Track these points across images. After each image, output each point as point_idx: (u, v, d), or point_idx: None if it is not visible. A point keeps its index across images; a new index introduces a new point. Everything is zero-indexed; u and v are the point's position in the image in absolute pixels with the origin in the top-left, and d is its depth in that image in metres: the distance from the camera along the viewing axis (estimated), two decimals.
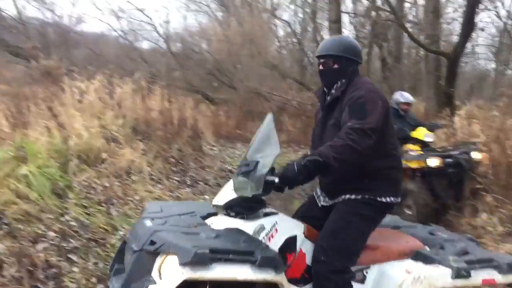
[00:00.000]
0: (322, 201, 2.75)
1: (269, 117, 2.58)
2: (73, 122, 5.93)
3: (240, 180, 2.40)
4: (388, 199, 2.54)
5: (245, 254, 2.15)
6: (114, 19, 14.80)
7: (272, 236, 2.37)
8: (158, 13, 25.23)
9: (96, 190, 5.01)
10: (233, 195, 2.42)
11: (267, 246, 2.28)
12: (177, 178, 6.81)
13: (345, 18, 16.40)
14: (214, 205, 2.52)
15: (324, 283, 2.37)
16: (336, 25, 12.34)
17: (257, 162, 2.38)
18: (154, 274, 2.13)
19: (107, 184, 5.23)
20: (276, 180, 2.31)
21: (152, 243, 2.17)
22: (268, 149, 2.44)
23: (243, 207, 2.42)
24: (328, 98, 2.69)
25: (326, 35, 16.27)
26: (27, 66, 9.46)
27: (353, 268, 2.49)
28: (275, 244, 2.36)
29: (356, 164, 2.40)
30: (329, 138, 2.50)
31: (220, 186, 2.56)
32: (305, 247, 2.49)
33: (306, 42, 18.51)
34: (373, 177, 2.52)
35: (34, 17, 13.18)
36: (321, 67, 2.71)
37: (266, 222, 2.41)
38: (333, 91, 2.66)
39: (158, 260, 2.13)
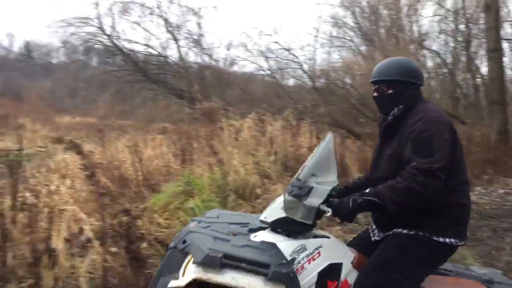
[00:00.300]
0: (376, 235, 2.52)
1: (328, 137, 2.41)
2: (231, 159, 6.36)
3: (291, 201, 2.30)
4: (447, 240, 2.23)
5: (259, 266, 2.07)
6: (263, 59, 15.62)
7: (313, 259, 2.21)
8: (303, 51, 26.05)
9: None
10: (282, 213, 2.32)
11: (286, 263, 2.13)
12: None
13: (505, 45, 15.05)
14: (261, 221, 2.42)
15: None
16: (495, 53, 11.39)
17: (311, 188, 2.28)
18: (181, 271, 2.15)
19: None
20: (329, 213, 2.23)
21: (184, 242, 2.23)
22: (325, 175, 2.32)
23: (292, 227, 2.31)
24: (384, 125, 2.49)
25: (483, 64, 15.12)
26: (190, 107, 10.47)
27: None
28: (314, 267, 2.20)
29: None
30: (384, 169, 2.36)
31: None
32: (352, 277, 2.28)
33: (458, 72, 17.39)
34: (432, 214, 2.22)
35: (194, 61, 14.61)
36: (375, 94, 2.49)
37: (310, 243, 2.26)
38: (389, 117, 2.45)
39: (187, 259, 2.16)
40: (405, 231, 2.29)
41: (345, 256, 2.34)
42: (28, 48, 65.93)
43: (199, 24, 14.19)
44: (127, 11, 14.11)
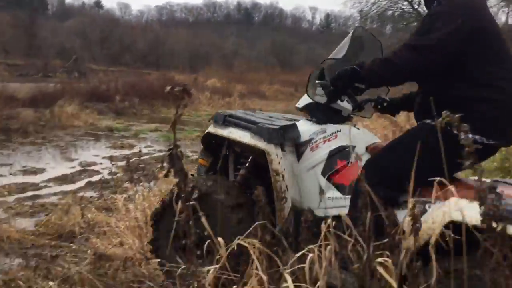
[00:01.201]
0: None
1: (354, 28, 2.60)
2: None
3: (312, 84, 2.54)
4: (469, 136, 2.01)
5: (252, 123, 2.47)
6: None
7: (329, 140, 2.45)
8: None
9: None
10: (309, 99, 2.58)
11: (272, 125, 2.45)
12: None
13: None
14: (296, 107, 2.73)
15: (354, 199, 2.16)
16: None
17: (323, 69, 2.47)
18: None
19: None
20: (327, 83, 2.34)
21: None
22: (336, 56, 2.47)
23: (320, 115, 2.54)
24: None
25: None
26: None
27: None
28: (327, 147, 2.43)
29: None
30: None
31: None
32: (363, 160, 2.35)
33: None
34: (457, 107, 1.88)
35: None
36: None
37: (330, 128, 2.49)
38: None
39: None
40: (428, 121, 2.15)
41: (361, 141, 2.47)
42: (328, 20, 71.20)
43: None
44: None
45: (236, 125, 2.51)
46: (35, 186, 6.54)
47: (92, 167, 7.96)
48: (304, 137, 2.50)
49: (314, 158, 2.44)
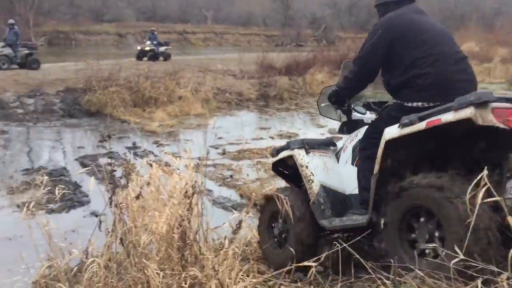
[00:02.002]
0: None
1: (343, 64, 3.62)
2: None
3: (327, 115, 3.74)
4: (413, 104, 2.69)
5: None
6: None
7: (352, 140, 3.25)
8: None
9: None
10: (339, 122, 3.59)
11: (302, 140, 3.41)
12: None
13: None
14: (338, 132, 3.63)
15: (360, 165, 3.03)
16: None
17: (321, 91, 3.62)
18: None
19: None
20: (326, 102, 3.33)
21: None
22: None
23: (348, 129, 3.43)
24: None
25: None
26: None
27: None
28: (351, 146, 3.24)
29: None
30: None
31: None
32: None
33: None
34: (401, 87, 2.77)
35: None
36: None
37: (353, 133, 3.31)
38: None
39: None
40: (391, 103, 2.97)
41: None
42: None
43: None
44: None
45: (282, 149, 3.44)
46: None
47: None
48: (339, 146, 3.45)
49: (346, 156, 3.30)
